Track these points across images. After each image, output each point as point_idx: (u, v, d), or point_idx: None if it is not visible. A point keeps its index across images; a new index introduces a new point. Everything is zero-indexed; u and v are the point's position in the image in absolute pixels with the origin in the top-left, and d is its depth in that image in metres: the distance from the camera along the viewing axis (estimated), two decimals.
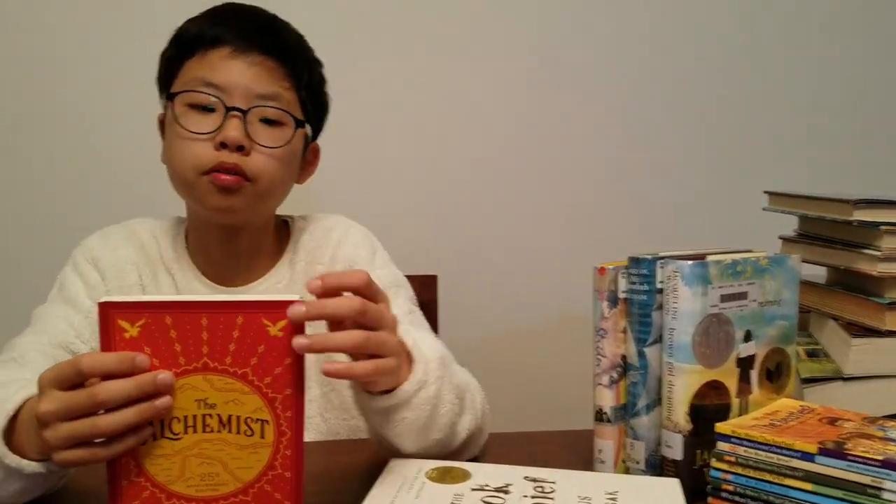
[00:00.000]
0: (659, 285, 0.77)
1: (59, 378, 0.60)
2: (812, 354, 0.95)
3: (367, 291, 0.65)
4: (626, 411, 0.80)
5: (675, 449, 0.76)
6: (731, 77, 1.47)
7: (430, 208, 1.43)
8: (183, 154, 0.85)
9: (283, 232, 0.99)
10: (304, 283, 0.94)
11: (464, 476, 0.72)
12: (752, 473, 0.70)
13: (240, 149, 0.84)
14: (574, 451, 0.85)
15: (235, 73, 0.85)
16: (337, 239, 0.97)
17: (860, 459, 0.64)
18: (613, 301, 0.79)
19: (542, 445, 0.90)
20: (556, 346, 1.47)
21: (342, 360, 0.93)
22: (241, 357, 0.61)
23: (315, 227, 0.99)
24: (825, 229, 0.98)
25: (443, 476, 0.72)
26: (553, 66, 1.43)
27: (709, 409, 0.77)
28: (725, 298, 0.77)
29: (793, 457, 0.68)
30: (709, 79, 1.46)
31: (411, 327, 0.78)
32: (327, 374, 0.63)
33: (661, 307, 0.77)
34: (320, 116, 0.96)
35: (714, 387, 0.77)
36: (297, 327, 0.62)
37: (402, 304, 0.93)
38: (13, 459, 0.65)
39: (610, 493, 0.68)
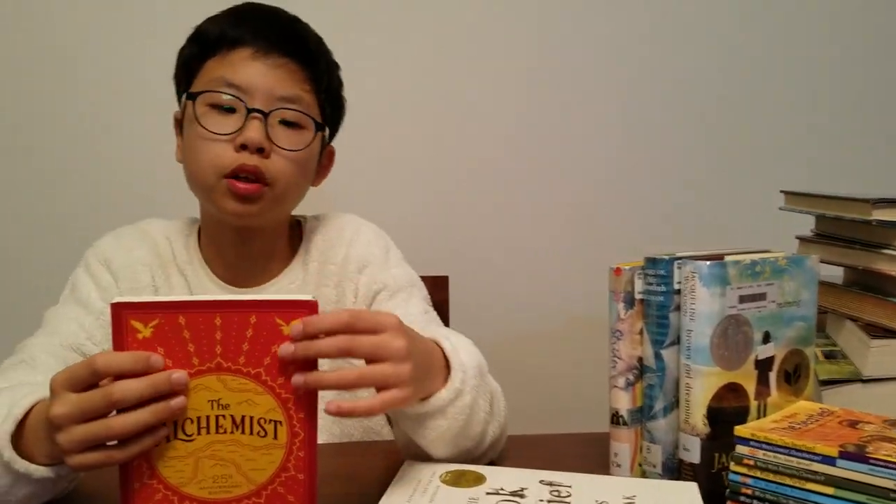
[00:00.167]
0: (676, 286, 0.76)
1: (72, 379, 0.59)
2: (830, 356, 0.94)
3: (356, 329, 0.63)
4: (642, 414, 0.79)
5: (692, 452, 0.75)
6: (733, 76, 1.46)
7: (441, 209, 1.42)
8: (203, 155, 0.85)
9: (295, 232, 0.99)
10: (317, 283, 0.94)
11: (478, 480, 0.71)
12: (771, 477, 0.69)
13: (260, 151, 0.84)
14: (589, 455, 0.84)
15: (257, 74, 0.85)
16: (349, 238, 0.96)
17: (882, 463, 0.63)
18: (630, 302, 0.78)
19: (556, 448, 0.89)
20: (568, 348, 1.46)
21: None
22: (255, 357, 0.61)
23: (327, 226, 0.98)
24: (843, 229, 0.96)
25: (457, 479, 0.71)
26: (563, 66, 1.43)
27: (727, 411, 0.76)
28: (744, 299, 0.76)
29: (813, 460, 0.67)
30: (711, 78, 1.45)
31: (448, 331, 0.77)
32: (331, 414, 0.63)
33: (678, 308, 0.76)
34: (337, 119, 0.96)
35: (732, 389, 0.76)
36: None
37: (416, 304, 0.92)
38: (22, 465, 0.64)
39: (627, 498, 0.68)
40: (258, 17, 0.90)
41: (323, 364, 0.63)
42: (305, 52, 0.88)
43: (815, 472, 0.66)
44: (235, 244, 0.92)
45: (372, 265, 0.94)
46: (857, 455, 0.64)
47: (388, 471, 0.76)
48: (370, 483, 0.78)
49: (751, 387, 0.77)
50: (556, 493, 0.68)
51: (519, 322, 1.46)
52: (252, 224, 0.89)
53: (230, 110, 0.85)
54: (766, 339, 0.78)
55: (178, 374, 0.59)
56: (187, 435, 0.62)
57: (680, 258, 0.76)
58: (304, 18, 0.94)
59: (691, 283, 0.74)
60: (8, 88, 1.33)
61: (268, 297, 0.63)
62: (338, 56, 0.95)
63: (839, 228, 0.97)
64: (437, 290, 1.14)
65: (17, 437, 0.66)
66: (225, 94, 0.84)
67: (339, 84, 0.95)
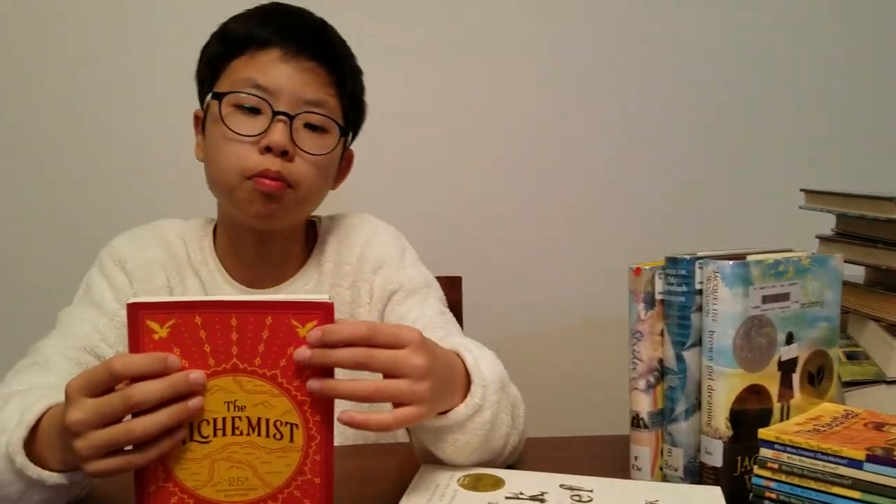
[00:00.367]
0: (698, 286, 0.75)
1: (89, 385, 0.59)
2: (852, 357, 0.92)
3: (375, 342, 0.62)
4: (663, 417, 0.78)
5: (714, 455, 0.74)
6: (742, 75, 1.45)
7: (454, 209, 1.41)
8: (226, 156, 0.84)
9: (310, 233, 0.98)
10: (332, 283, 0.93)
11: (497, 484, 0.70)
12: (796, 481, 0.68)
13: (284, 154, 0.83)
14: (608, 458, 0.83)
15: (284, 77, 0.84)
16: (365, 239, 0.95)
17: None
18: (650, 303, 0.77)
19: (574, 451, 0.88)
20: (584, 348, 1.45)
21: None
22: (271, 358, 0.61)
23: (342, 227, 0.97)
24: (865, 228, 0.95)
25: (475, 483, 0.70)
26: (573, 66, 1.42)
27: (750, 414, 0.74)
28: (767, 300, 0.74)
29: (839, 464, 0.65)
30: (724, 76, 1.44)
31: (471, 343, 0.76)
32: (343, 423, 0.62)
33: (700, 309, 0.74)
34: (358, 124, 0.96)
35: (755, 391, 0.75)
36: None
37: (432, 305, 0.91)
38: (35, 471, 0.64)
39: (650, 502, 0.66)
40: (286, 18, 0.89)
41: (339, 373, 0.62)
42: (332, 56, 0.88)
43: (842, 476, 0.65)
44: (254, 246, 0.91)
45: (387, 265, 0.93)
46: (886, 458, 0.63)
47: (403, 473, 0.75)
48: (386, 486, 0.77)
49: (774, 389, 0.76)
50: (576, 498, 0.67)
51: (533, 322, 1.45)
52: (272, 227, 0.88)
53: (255, 111, 0.84)
54: (790, 339, 0.77)
55: (196, 374, 0.59)
56: (203, 437, 0.61)
57: (701, 258, 0.75)
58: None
59: (713, 284, 0.73)
60: (13, 89, 1.33)
61: (284, 297, 0.62)
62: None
63: (861, 227, 0.96)
64: (451, 290, 1.13)
65: (30, 443, 0.65)
66: (251, 95, 0.84)
67: (362, 89, 0.94)
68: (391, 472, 0.81)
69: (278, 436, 0.62)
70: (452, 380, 0.69)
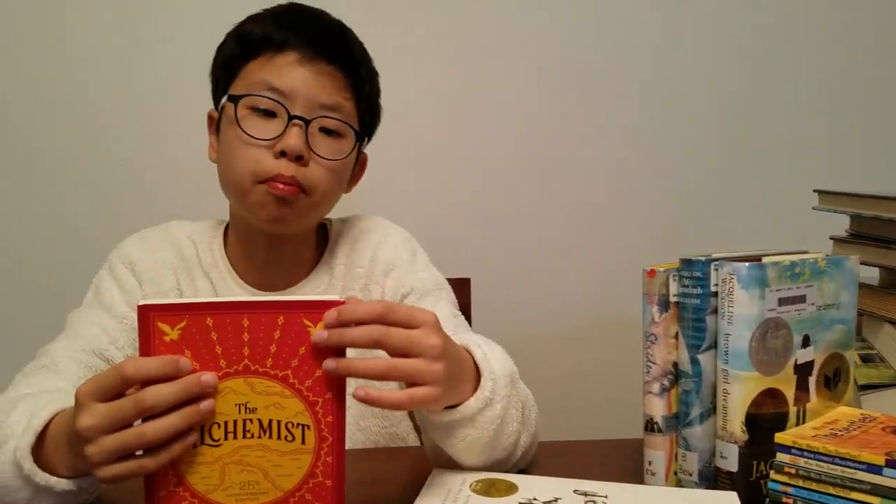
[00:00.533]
0: (713, 288, 0.74)
1: (100, 389, 0.58)
2: (867, 360, 0.91)
3: (390, 320, 0.62)
4: (678, 421, 0.77)
5: (730, 460, 0.73)
6: (747, 76, 1.44)
7: (462, 211, 1.41)
8: (241, 159, 0.84)
9: (321, 236, 0.97)
10: (343, 286, 0.93)
11: (510, 489, 0.69)
12: (814, 486, 0.67)
13: (299, 158, 0.83)
14: (621, 462, 0.82)
15: (301, 80, 0.84)
16: (376, 241, 0.95)
17: None
18: (664, 305, 0.76)
19: (586, 455, 0.87)
20: (595, 351, 1.44)
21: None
22: (283, 359, 0.60)
23: (353, 229, 0.97)
24: (880, 229, 0.94)
25: (488, 489, 0.69)
26: (583, 67, 1.41)
27: (765, 418, 0.73)
28: (783, 302, 0.73)
29: (858, 469, 0.64)
30: (724, 77, 1.43)
31: (480, 338, 0.76)
32: (358, 399, 0.61)
33: (715, 311, 0.74)
34: (374, 127, 0.95)
35: (771, 395, 0.74)
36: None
37: (444, 308, 0.90)
38: (42, 477, 0.63)
39: None
40: (304, 20, 0.88)
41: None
42: (350, 59, 0.87)
43: (860, 482, 0.64)
44: (265, 248, 0.90)
45: (399, 268, 0.93)
46: None
47: (414, 477, 0.74)
48: (396, 490, 0.76)
49: (790, 392, 0.75)
50: (591, 503, 0.66)
51: (542, 324, 1.44)
52: (284, 230, 0.88)
53: (271, 114, 0.84)
54: (806, 342, 0.76)
55: (208, 377, 0.58)
56: (214, 440, 0.60)
57: (716, 259, 0.74)
58: None
59: (729, 286, 0.72)
60: (17, 89, 1.33)
61: (296, 297, 0.61)
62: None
63: (875, 228, 0.94)
64: (460, 292, 1.12)
65: (38, 449, 0.64)
66: (267, 98, 0.83)
67: (378, 92, 0.94)
68: (402, 475, 0.80)
69: (290, 438, 0.61)
70: (462, 372, 0.68)
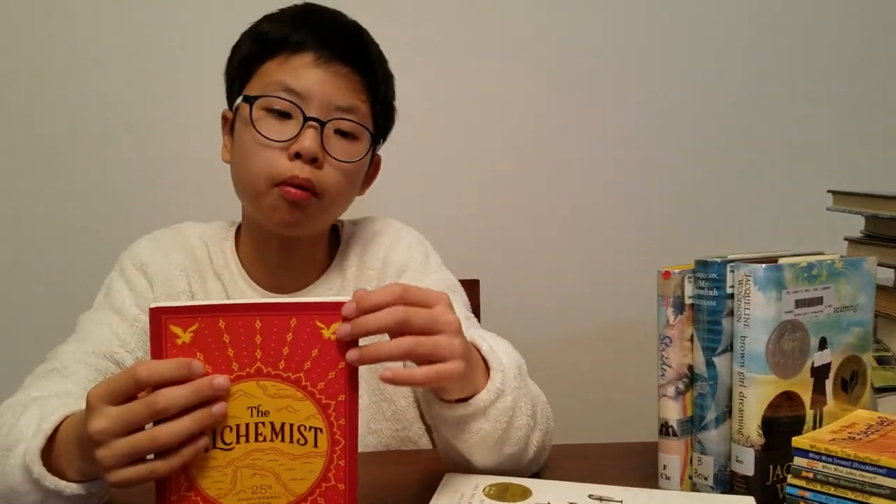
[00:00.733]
0: (729, 290, 0.73)
1: (112, 392, 0.57)
2: (882, 362, 0.90)
3: (409, 301, 0.62)
4: (693, 424, 0.76)
5: (746, 464, 0.72)
6: (755, 75, 1.43)
7: (471, 212, 1.40)
8: (255, 160, 0.83)
9: (333, 237, 0.96)
10: (355, 288, 0.92)
11: (524, 494, 0.68)
12: (832, 491, 0.66)
13: (313, 160, 0.82)
14: (635, 466, 0.81)
15: (318, 81, 0.83)
16: (388, 243, 0.94)
17: None
18: (679, 307, 0.75)
19: (599, 459, 0.86)
20: (606, 353, 1.43)
21: (397, 365, 0.91)
22: (295, 361, 0.60)
23: (366, 231, 0.96)
24: (894, 229, 0.92)
25: (501, 493, 0.68)
26: (589, 68, 1.40)
27: (782, 421, 0.72)
28: (800, 304, 0.72)
29: (878, 473, 0.64)
30: (732, 78, 1.42)
31: (486, 333, 0.75)
32: (386, 381, 0.61)
33: (731, 314, 0.73)
34: (388, 129, 0.94)
35: (788, 398, 0.73)
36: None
37: (457, 310, 0.89)
38: (52, 481, 0.63)
39: None
40: (321, 21, 0.87)
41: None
42: (366, 61, 0.87)
43: (880, 486, 0.63)
44: (278, 250, 0.90)
45: (411, 270, 0.92)
46: None
47: (426, 481, 0.73)
48: (409, 494, 0.76)
49: (806, 395, 0.74)
50: None
51: (551, 326, 1.43)
52: (297, 234, 0.87)
53: (286, 116, 0.83)
54: (823, 345, 0.75)
55: (220, 379, 0.58)
56: (226, 444, 0.60)
57: (732, 261, 0.73)
58: None
59: (745, 287, 0.71)
60: (25, 89, 1.33)
61: (308, 299, 0.61)
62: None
63: (890, 229, 0.93)
64: (469, 294, 1.11)
65: (47, 453, 0.64)
66: (283, 99, 0.83)
67: (394, 94, 0.93)
68: (413, 479, 0.80)
69: (302, 441, 0.61)
70: (473, 365, 0.67)
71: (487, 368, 0.69)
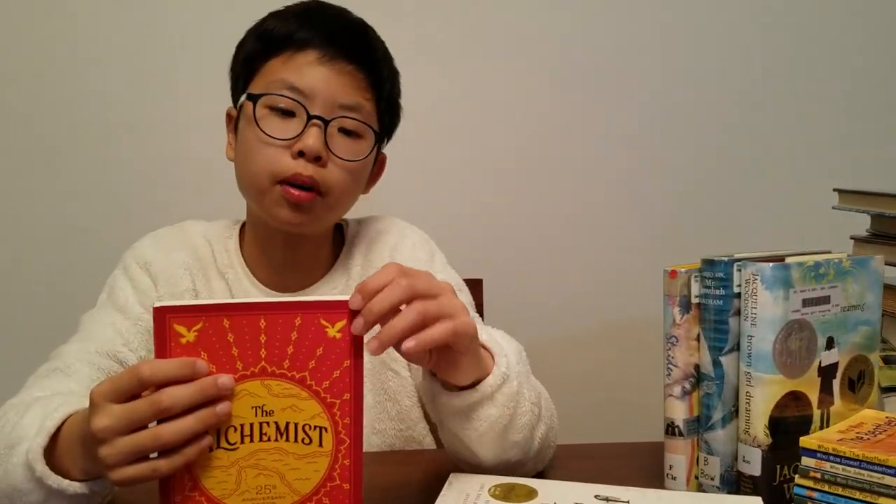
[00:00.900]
0: (736, 289, 0.72)
1: (116, 390, 0.57)
2: (889, 361, 0.89)
3: (406, 274, 0.63)
4: (699, 424, 0.75)
5: (753, 464, 0.71)
6: (760, 75, 1.42)
7: (474, 211, 1.40)
8: (258, 159, 0.83)
9: (337, 236, 0.96)
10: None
11: (530, 494, 0.68)
12: (840, 491, 0.66)
13: (317, 159, 0.82)
14: (640, 466, 0.81)
15: (321, 79, 0.82)
16: (393, 242, 0.94)
17: None
18: (686, 306, 0.74)
19: (604, 459, 0.86)
20: (610, 352, 1.43)
21: (401, 364, 0.91)
22: (300, 360, 0.59)
23: (370, 230, 0.96)
24: None
25: (507, 494, 0.68)
26: (593, 67, 1.40)
27: (789, 421, 0.72)
28: (807, 303, 0.72)
29: (886, 473, 0.63)
30: (739, 77, 1.42)
31: (483, 325, 0.76)
32: (408, 351, 0.60)
33: (738, 313, 0.72)
34: (393, 127, 0.94)
35: (795, 398, 0.72)
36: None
37: None
38: (55, 480, 0.62)
39: None
40: (326, 18, 0.86)
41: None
42: (371, 59, 0.86)
43: (889, 487, 0.63)
44: (282, 249, 0.89)
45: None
46: None
47: (431, 481, 0.73)
48: (413, 495, 0.75)
49: (814, 395, 0.74)
50: None
51: (555, 325, 1.43)
52: (302, 232, 0.87)
53: (290, 114, 0.83)
54: (830, 344, 0.74)
55: (225, 379, 0.57)
56: (230, 444, 0.59)
57: (739, 260, 0.73)
58: None
59: (753, 286, 0.70)
60: (30, 88, 1.33)
61: (313, 298, 0.61)
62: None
63: (892, 227, 0.93)
64: (472, 293, 1.10)
65: (50, 451, 0.63)
66: (286, 97, 0.82)
67: (399, 92, 0.92)
68: (418, 480, 0.79)
69: (307, 440, 0.60)
70: (477, 350, 0.68)
71: (490, 357, 0.69)
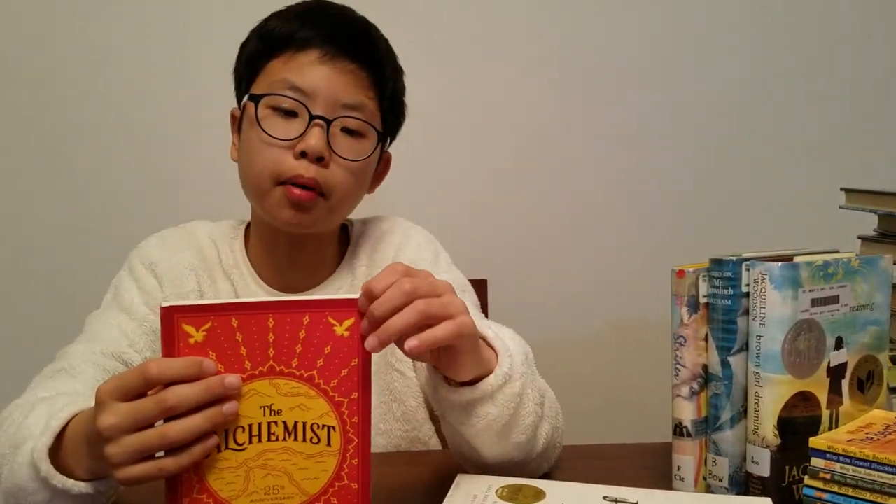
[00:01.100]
0: (745, 289, 0.72)
1: (122, 388, 0.57)
2: None
3: (410, 274, 0.63)
4: (707, 425, 0.75)
5: (761, 465, 0.71)
6: (766, 74, 1.42)
7: (479, 211, 1.40)
8: (260, 159, 0.82)
9: (342, 236, 0.96)
10: None
11: (537, 495, 0.67)
12: (850, 492, 0.66)
13: (319, 159, 0.81)
14: (647, 467, 0.80)
15: (323, 79, 0.82)
16: (398, 242, 0.93)
17: None
18: (693, 306, 0.74)
19: (611, 460, 0.85)
20: (616, 352, 1.43)
21: (406, 365, 0.90)
22: (308, 359, 0.59)
23: (375, 230, 0.95)
24: None
25: (514, 494, 0.67)
26: (596, 67, 1.40)
27: (798, 422, 0.71)
28: (816, 303, 0.72)
29: None
30: (743, 77, 1.42)
31: (490, 322, 0.75)
32: (412, 350, 0.60)
33: (746, 313, 0.72)
34: (398, 126, 0.93)
35: (804, 398, 0.72)
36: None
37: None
38: (60, 480, 0.62)
39: None
40: (328, 18, 0.86)
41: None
42: (373, 57, 0.86)
43: None
44: (287, 249, 0.89)
45: (421, 269, 0.91)
46: None
47: (437, 482, 0.73)
48: (420, 496, 0.75)
49: (822, 395, 0.73)
50: None
51: (560, 325, 1.43)
52: (305, 232, 0.86)
53: (292, 114, 0.82)
54: (839, 344, 0.74)
55: (232, 378, 0.57)
56: (238, 444, 0.59)
57: (747, 259, 0.72)
58: None
59: (761, 286, 0.70)
60: (33, 88, 1.33)
61: (321, 296, 0.60)
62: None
63: None
64: (477, 293, 1.10)
65: (56, 451, 0.63)
66: (288, 97, 0.82)
67: (403, 90, 0.92)
68: (424, 481, 0.79)
69: (315, 440, 0.60)
70: (479, 348, 0.67)
71: (495, 354, 0.69)
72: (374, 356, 0.62)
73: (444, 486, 0.69)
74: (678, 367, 0.75)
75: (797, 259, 0.72)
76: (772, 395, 0.70)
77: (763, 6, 1.41)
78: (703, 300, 0.74)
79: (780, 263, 0.70)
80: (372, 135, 0.85)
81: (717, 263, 0.73)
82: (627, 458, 0.84)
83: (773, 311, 0.70)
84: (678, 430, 0.75)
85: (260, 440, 0.59)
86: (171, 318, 0.56)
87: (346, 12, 0.88)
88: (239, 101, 0.89)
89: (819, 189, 1.26)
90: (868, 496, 0.64)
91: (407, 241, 0.94)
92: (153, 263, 0.88)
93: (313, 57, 0.82)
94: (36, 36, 1.32)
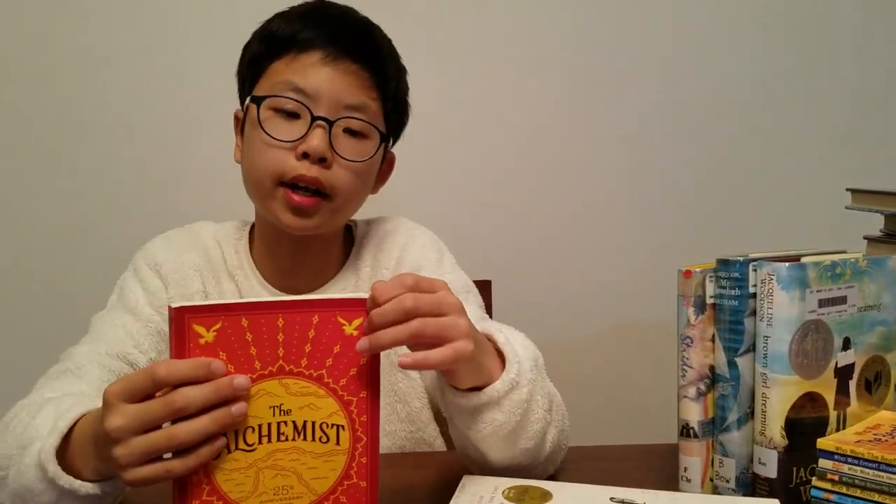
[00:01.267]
0: (752, 289, 0.72)
1: (129, 389, 0.56)
2: None
3: (419, 288, 0.62)
4: (714, 426, 0.75)
5: (769, 466, 0.71)
6: (769, 74, 1.42)
7: (483, 212, 1.39)
8: (263, 160, 0.82)
9: (347, 237, 0.95)
10: (369, 287, 0.91)
11: (544, 496, 0.67)
12: (858, 493, 0.65)
13: (322, 160, 0.81)
14: (653, 468, 0.80)
15: (325, 80, 0.82)
16: (403, 243, 0.93)
17: None
18: (700, 307, 0.74)
19: (618, 461, 0.85)
20: (620, 353, 1.43)
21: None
22: (317, 358, 0.59)
23: (379, 231, 0.95)
24: None
25: (521, 496, 0.67)
26: (597, 66, 1.40)
27: (805, 422, 0.71)
28: (824, 303, 0.72)
29: None
30: (745, 77, 1.42)
31: (502, 325, 0.75)
32: (404, 366, 0.61)
33: (753, 313, 0.72)
34: (401, 126, 0.93)
35: (811, 399, 0.72)
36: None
37: (472, 311, 0.88)
38: (67, 480, 0.62)
39: None
40: (330, 18, 0.86)
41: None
42: (376, 58, 0.85)
43: None
44: (291, 250, 0.89)
45: (425, 270, 0.91)
46: None
47: (443, 483, 0.72)
48: (426, 497, 0.75)
49: (830, 396, 0.73)
50: None
51: (564, 326, 1.42)
52: (308, 233, 0.86)
53: (294, 115, 0.82)
54: (846, 345, 0.74)
55: (241, 379, 0.57)
56: (248, 445, 0.58)
57: (754, 259, 0.72)
58: None
59: (769, 287, 0.70)
60: (35, 89, 1.32)
61: (330, 296, 0.61)
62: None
63: None
64: (481, 294, 1.10)
65: (63, 452, 0.63)
66: (290, 99, 0.81)
67: (406, 90, 0.92)
68: (430, 482, 0.79)
69: (324, 439, 0.60)
70: (486, 353, 0.67)
71: (502, 360, 0.69)
72: (382, 356, 0.62)
73: (449, 487, 0.68)
74: (685, 367, 0.74)
75: (804, 259, 0.71)
76: (779, 396, 0.70)
77: (764, 6, 1.41)
78: (709, 301, 0.74)
79: (787, 264, 0.70)
80: (374, 135, 0.85)
81: (724, 264, 0.73)
82: (634, 460, 0.84)
83: (781, 311, 0.69)
84: (685, 431, 0.75)
85: (269, 440, 0.59)
86: (182, 318, 0.56)
87: (349, 13, 0.88)
88: (242, 102, 0.89)
89: (821, 189, 1.27)
90: (876, 497, 0.64)
91: (411, 241, 0.93)
92: (158, 264, 0.88)
93: (316, 58, 0.82)
94: (36, 36, 1.32)
